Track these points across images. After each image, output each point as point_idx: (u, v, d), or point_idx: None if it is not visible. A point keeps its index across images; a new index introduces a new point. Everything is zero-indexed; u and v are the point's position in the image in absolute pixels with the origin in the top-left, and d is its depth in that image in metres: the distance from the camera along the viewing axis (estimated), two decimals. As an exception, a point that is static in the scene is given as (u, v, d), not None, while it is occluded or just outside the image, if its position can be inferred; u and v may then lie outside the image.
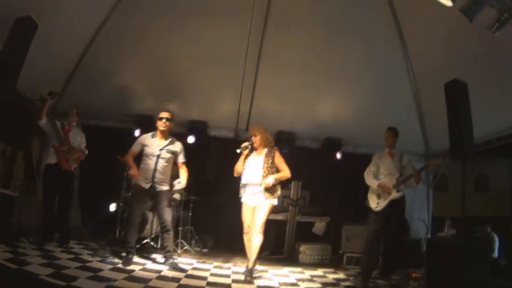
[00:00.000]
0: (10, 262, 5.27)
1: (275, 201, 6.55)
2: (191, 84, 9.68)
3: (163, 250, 7.13)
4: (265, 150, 6.80)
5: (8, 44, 6.08)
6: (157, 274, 6.09)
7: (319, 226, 9.67)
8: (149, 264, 6.86)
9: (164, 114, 7.05)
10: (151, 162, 6.84)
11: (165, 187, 6.98)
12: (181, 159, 7.19)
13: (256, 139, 6.76)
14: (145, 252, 7.80)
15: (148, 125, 9.17)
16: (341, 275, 7.62)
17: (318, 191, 10.17)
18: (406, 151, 7.80)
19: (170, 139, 7.10)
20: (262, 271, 7.32)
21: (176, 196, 8.69)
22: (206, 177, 9.41)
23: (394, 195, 6.96)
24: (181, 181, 6.95)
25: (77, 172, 7.95)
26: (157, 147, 6.91)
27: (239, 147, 6.70)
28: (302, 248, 8.64)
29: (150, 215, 8.43)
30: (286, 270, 7.69)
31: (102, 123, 9.85)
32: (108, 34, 8.55)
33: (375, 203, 7.10)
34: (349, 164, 10.42)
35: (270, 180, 6.39)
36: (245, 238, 6.62)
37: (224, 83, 9.46)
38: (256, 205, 6.51)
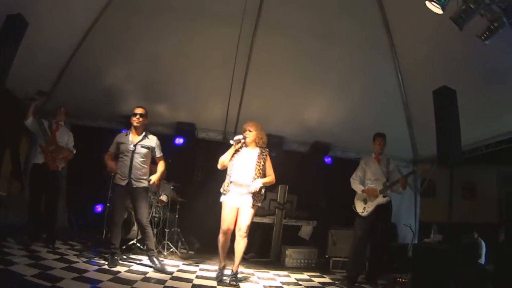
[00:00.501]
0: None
1: (259, 204, 6.43)
2: (180, 86, 9.74)
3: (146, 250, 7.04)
4: (257, 149, 6.62)
5: (-2, 41, 6.08)
6: (142, 276, 6.07)
7: (306, 229, 9.66)
8: (135, 266, 6.81)
9: (138, 110, 6.97)
10: (127, 158, 6.75)
11: (142, 184, 6.85)
12: (157, 153, 7.12)
13: (250, 135, 6.59)
14: (131, 253, 7.80)
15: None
16: (327, 279, 7.62)
17: (305, 195, 10.17)
18: (394, 156, 7.84)
19: (144, 134, 7.01)
20: (248, 274, 7.33)
21: (163, 197, 8.71)
22: (193, 179, 9.43)
23: (381, 200, 6.99)
24: (152, 179, 6.95)
25: (64, 171, 7.90)
26: (131, 143, 6.81)
27: (232, 139, 6.60)
28: (288, 251, 8.60)
29: (136, 216, 8.44)
30: (271, 273, 7.68)
31: (90, 123, 9.84)
32: (98, 35, 8.58)
33: (361, 208, 7.14)
34: (337, 168, 10.49)
35: (259, 184, 6.27)
36: (223, 238, 6.33)
37: (213, 86, 9.51)
38: (241, 206, 6.32)
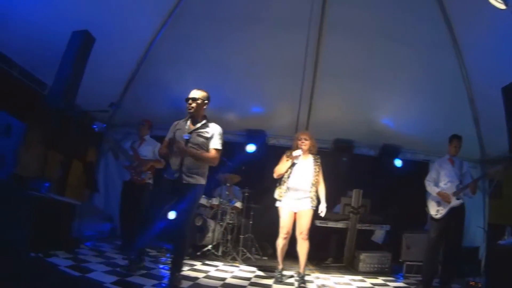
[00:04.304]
0: (72, 269, 5.39)
1: (314, 207, 6.58)
2: (248, 93, 9.85)
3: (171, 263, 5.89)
4: (311, 157, 6.91)
5: (65, 58, 6.25)
6: (221, 282, 6.13)
7: (379, 234, 9.63)
8: (213, 272, 6.91)
9: (190, 94, 5.86)
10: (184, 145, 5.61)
11: (195, 181, 5.67)
12: (212, 144, 5.82)
13: (306, 144, 6.80)
14: (206, 259, 7.95)
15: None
16: (401, 284, 7.54)
17: (378, 198, 10.00)
18: (461, 157, 7.68)
19: (203, 122, 5.85)
20: (325, 278, 7.37)
21: (237, 204, 8.82)
22: (265, 186, 9.47)
23: (454, 202, 6.89)
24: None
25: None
26: (186, 132, 5.70)
27: (290, 151, 6.82)
28: (362, 256, 8.51)
29: (211, 223, 8.65)
30: (347, 278, 7.66)
31: (159, 133, 9.98)
32: (163, 44, 8.83)
33: (435, 211, 7.05)
34: (407, 171, 10.38)
35: (324, 208, 6.71)
36: (283, 242, 6.65)
37: (281, 92, 9.58)
38: (300, 211, 6.55)
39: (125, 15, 7.61)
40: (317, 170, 6.76)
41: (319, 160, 6.88)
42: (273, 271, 7.22)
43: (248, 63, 9.22)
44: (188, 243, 6.55)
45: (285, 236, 6.58)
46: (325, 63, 9.25)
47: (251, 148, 10.36)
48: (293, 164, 6.75)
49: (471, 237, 9.66)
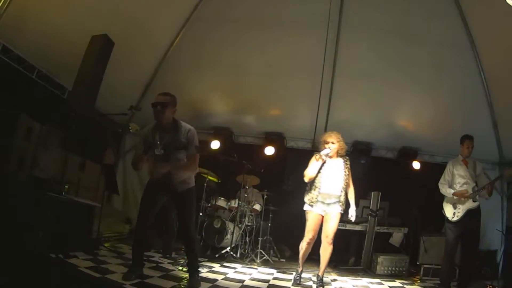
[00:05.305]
0: (92, 270, 5.39)
1: (342, 212, 6.49)
2: (266, 96, 9.87)
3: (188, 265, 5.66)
4: (340, 159, 6.66)
5: (85, 62, 6.31)
6: (240, 284, 6.13)
7: (397, 237, 9.57)
8: (231, 274, 6.92)
9: (158, 98, 5.30)
10: (164, 162, 5.23)
11: (187, 186, 5.45)
12: (190, 150, 5.35)
13: (334, 147, 6.52)
14: (225, 261, 7.99)
15: (225, 137, 9.30)
16: (419, 287, 7.51)
17: (396, 201, 9.92)
18: (480, 159, 7.64)
19: (175, 128, 5.37)
20: (343, 281, 7.36)
21: (256, 207, 8.86)
22: (284, 188, 9.51)
23: (471, 204, 6.85)
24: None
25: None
26: (161, 144, 5.21)
27: (318, 154, 6.51)
28: (380, 259, 8.46)
29: (230, 225, 8.69)
30: (365, 281, 7.63)
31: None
32: (181, 47, 8.84)
33: (451, 213, 7.01)
34: (425, 173, 10.29)
35: (354, 212, 6.57)
36: (307, 246, 6.46)
37: (298, 94, 9.59)
38: (328, 214, 6.37)
39: (144, 20, 7.68)
40: (347, 173, 6.55)
41: (348, 162, 6.65)
42: (292, 274, 7.23)
43: (265, 65, 9.25)
44: (198, 241, 6.16)
45: (310, 241, 6.41)
46: (343, 65, 9.26)
47: (269, 150, 10.36)
48: (322, 166, 6.48)
49: (488, 240, 9.61)
